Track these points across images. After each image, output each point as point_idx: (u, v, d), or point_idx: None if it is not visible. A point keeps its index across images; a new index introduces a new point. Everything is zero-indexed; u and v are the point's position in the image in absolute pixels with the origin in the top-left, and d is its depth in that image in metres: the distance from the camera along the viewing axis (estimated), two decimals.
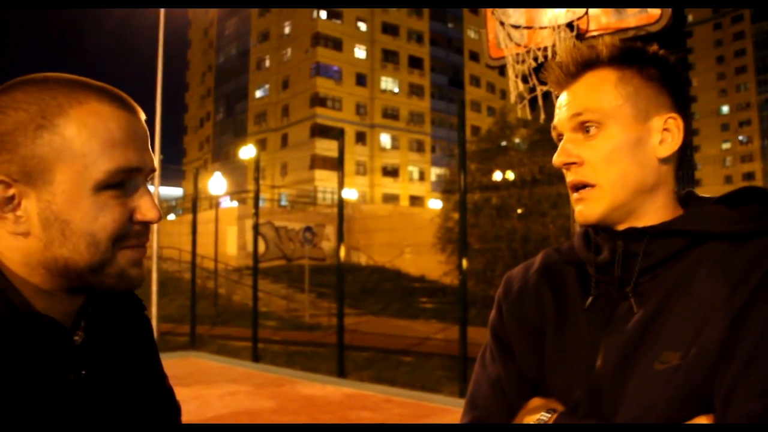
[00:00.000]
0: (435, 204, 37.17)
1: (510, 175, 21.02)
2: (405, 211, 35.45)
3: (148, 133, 0.83)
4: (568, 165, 0.97)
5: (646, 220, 0.96)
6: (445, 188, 24.81)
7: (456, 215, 15.41)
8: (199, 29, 64.64)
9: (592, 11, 5.46)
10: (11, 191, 0.75)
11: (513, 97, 5.52)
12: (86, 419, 0.80)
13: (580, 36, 5.41)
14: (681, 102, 0.99)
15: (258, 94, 56.05)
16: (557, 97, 1.03)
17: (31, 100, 0.75)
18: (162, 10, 14.79)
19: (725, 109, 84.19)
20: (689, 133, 1.00)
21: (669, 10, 5.24)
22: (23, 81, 0.78)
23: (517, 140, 22.68)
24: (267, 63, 55.33)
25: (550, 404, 0.97)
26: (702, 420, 0.84)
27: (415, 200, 52.09)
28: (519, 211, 20.08)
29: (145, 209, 0.80)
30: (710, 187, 75.68)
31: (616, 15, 5.44)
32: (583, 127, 0.96)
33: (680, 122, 0.97)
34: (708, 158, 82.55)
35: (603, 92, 0.96)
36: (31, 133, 0.75)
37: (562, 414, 0.94)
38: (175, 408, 0.99)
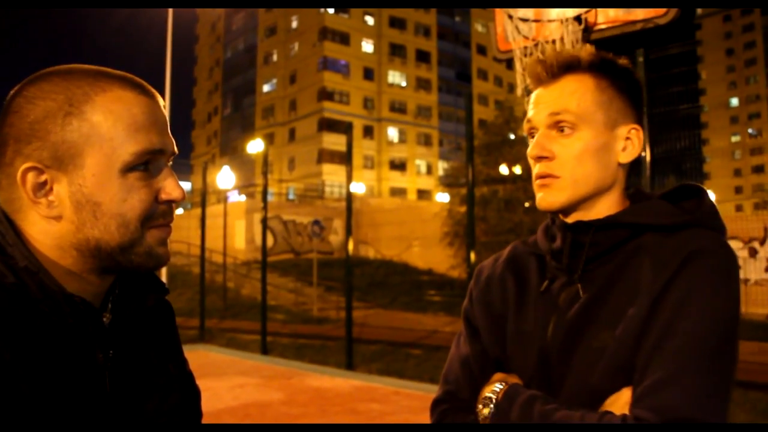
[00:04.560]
0: (442, 197, 37.10)
1: (517, 169, 20.97)
2: (412, 204, 35.42)
3: (167, 117, 0.87)
4: (541, 158, 1.08)
5: (596, 213, 1.08)
6: (452, 182, 24.77)
7: (463, 209, 15.40)
8: (206, 24, 64.70)
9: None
10: (43, 177, 0.79)
11: (520, 91, 5.54)
12: (114, 398, 0.83)
13: (588, 29, 5.41)
14: (640, 114, 1.12)
15: (265, 88, 56.08)
16: (529, 92, 1.13)
17: (57, 90, 0.79)
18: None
19: (734, 101, 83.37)
20: (645, 142, 1.12)
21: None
22: (48, 72, 0.82)
23: (523, 133, 22.60)
24: (274, 57, 55.33)
25: (509, 379, 1.09)
26: (626, 392, 0.97)
27: (423, 194, 52.04)
28: (526, 204, 20.03)
29: (169, 189, 0.84)
30: (719, 180, 75.09)
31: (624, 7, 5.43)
32: (558, 126, 1.07)
33: (641, 133, 1.10)
34: (717, 151, 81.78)
35: (581, 97, 1.07)
36: (60, 120, 0.79)
37: (513, 386, 1.06)
38: (196, 392, 1.02)
